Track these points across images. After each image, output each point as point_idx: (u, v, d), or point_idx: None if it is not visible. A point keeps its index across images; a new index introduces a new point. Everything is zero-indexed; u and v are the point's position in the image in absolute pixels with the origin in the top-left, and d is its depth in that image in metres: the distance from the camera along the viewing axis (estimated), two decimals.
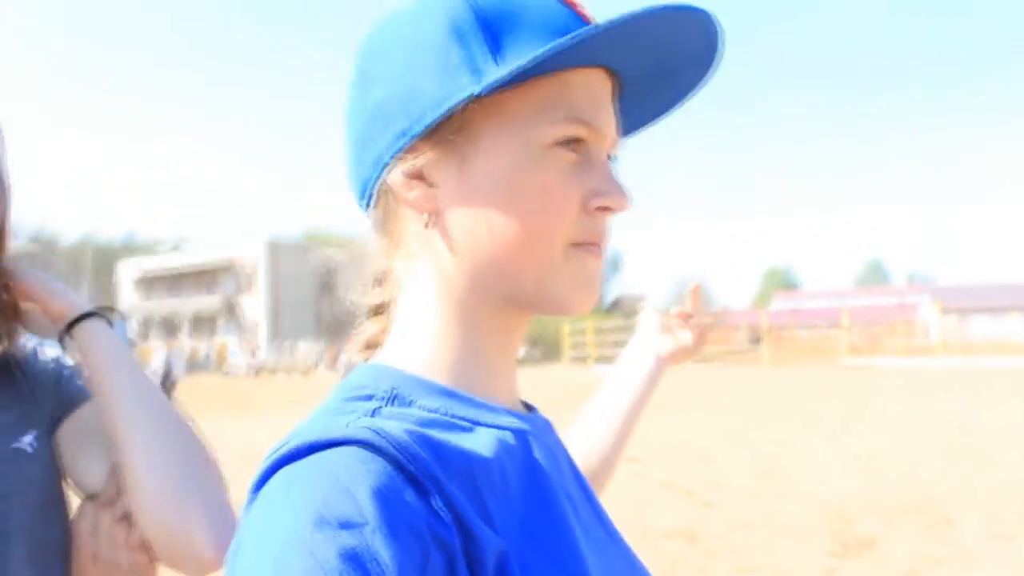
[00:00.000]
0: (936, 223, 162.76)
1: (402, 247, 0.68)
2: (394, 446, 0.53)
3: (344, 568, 0.44)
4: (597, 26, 0.58)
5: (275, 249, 49.76)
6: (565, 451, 0.74)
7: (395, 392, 0.62)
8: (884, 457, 8.97)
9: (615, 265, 51.55)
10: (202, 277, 54.20)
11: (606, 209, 0.65)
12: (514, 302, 0.66)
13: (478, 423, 0.63)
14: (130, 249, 78.38)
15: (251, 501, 0.53)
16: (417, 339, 0.67)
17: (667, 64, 0.68)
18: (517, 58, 0.59)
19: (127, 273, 59.17)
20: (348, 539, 0.46)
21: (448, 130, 0.62)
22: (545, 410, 0.76)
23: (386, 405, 0.60)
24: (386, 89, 0.64)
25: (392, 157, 0.64)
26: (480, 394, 0.65)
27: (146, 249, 73.48)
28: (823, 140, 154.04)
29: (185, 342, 48.95)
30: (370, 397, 0.61)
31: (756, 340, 35.04)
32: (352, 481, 0.49)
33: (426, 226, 0.65)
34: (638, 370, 1.17)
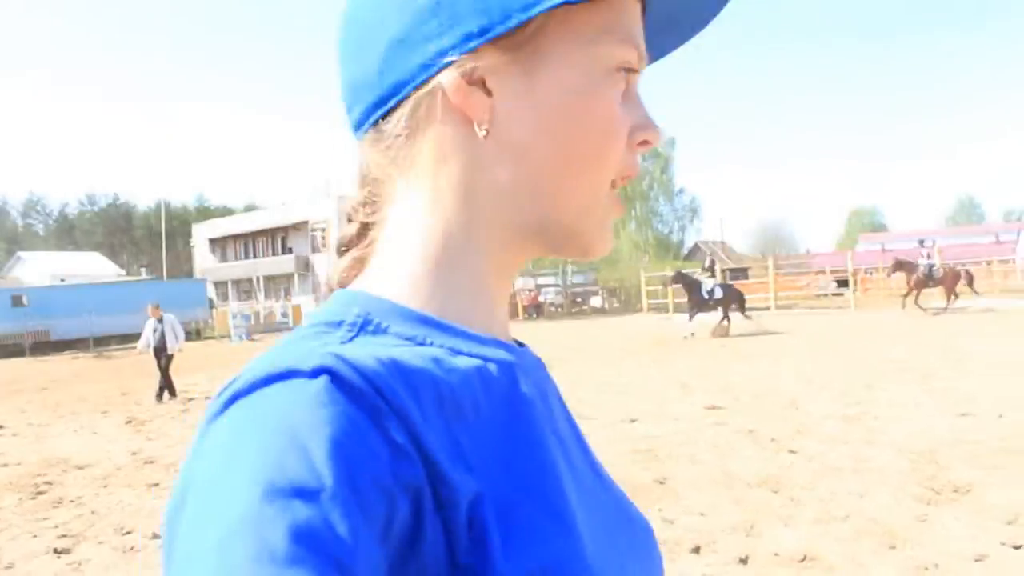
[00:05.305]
0: None
1: (418, 163, 0.62)
2: (358, 375, 0.48)
3: (297, 553, 0.40)
4: None
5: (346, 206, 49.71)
6: (557, 390, 0.70)
7: (368, 318, 0.57)
8: (978, 401, 8.65)
9: (693, 211, 50.53)
10: (275, 237, 55.05)
11: (645, 144, 0.63)
12: (537, 235, 0.63)
13: (457, 352, 0.58)
14: (203, 212, 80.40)
15: (203, 434, 0.48)
16: (405, 264, 0.62)
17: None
18: None
19: (202, 236, 60.47)
20: (302, 512, 0.41)
21: (521, 36, 0.58)
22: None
23: (357, 332, 0.56)
24: None
25: (455, 59, 0.58)
26: (467, 326, 0.61)
27: (219, 212, 75.11)
28: (910, 82, 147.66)
29: (260, 303, 49.78)
30: (340, 324, 0.57)
31: (842, 283, 34.14)
32: (309, 431, 0.44)
33: (484, 137, 0.60)
34: None
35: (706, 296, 19.33)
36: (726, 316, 19.73)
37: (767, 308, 29.14)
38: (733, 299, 19.97)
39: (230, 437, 0.46)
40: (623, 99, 0.61)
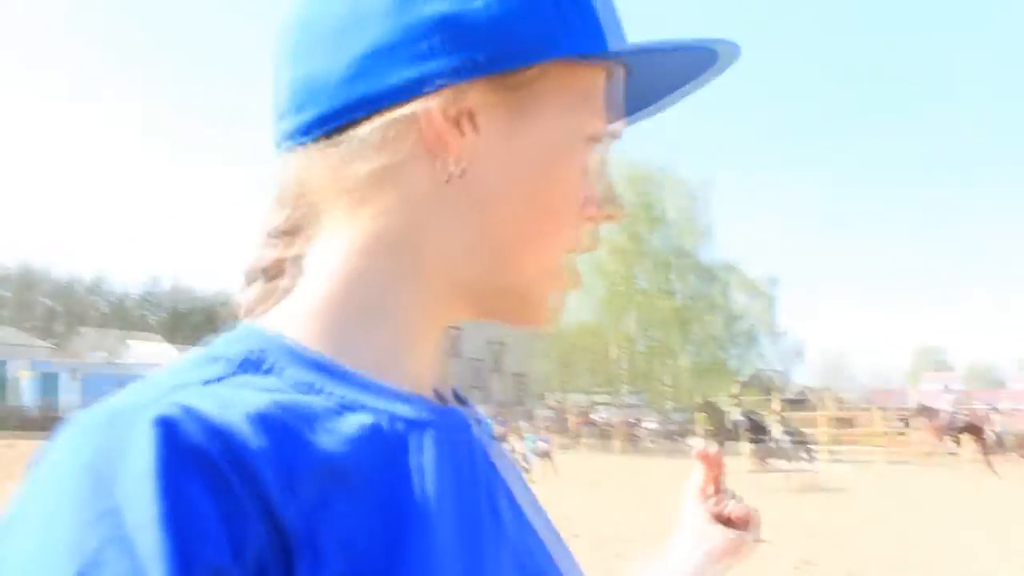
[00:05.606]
0: None
1: (367, 194, 0.56)
2: (207, 431, 0.43)
3: None
4: (711, 40, 0.58)
5: None
6: (485, 452, 0.60)
7: (260, 356, 0.51)
8: None
9: (751, 338, 49.73)
10: None
11: (608, 218, 0.61)
12: (478, 296, 0.59)
13: (354, 406, 0.51)
14: None
15: (36, 468, 0.44)
16: (321, 305, 0.55)
17: (661, 83, 0.65)
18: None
19: None
20: None
21: (521, 78, 0.54)
22: None
23: (238, 370, 0.50)
24: (464, 6, 0.53)
25: (448, 85, 0.53)
26: (380, 379, 0.54)
27: None
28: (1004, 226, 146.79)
29: None
30: (224, 359, 0.51)
31: (903, 422, 33.03)
32: (137, 512, 0.39)
33: (450, 178, 0.55)
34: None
35: (730, 427, 19.71)
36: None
37: (821, 444, 28.19)
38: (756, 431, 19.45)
39: (52, 497, 0.41)
40: (594, 169, 0.60)
